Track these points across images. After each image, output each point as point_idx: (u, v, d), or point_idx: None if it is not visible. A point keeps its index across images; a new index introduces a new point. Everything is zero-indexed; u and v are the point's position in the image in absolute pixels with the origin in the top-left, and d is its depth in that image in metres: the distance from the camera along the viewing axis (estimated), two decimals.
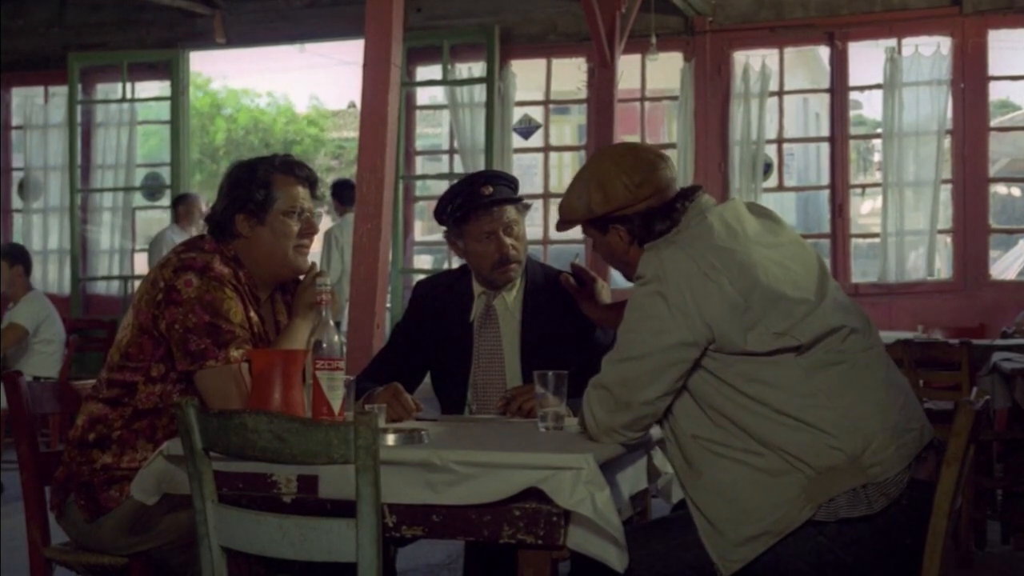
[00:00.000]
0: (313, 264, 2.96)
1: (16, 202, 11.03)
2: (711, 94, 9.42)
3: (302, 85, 30.91)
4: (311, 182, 2.97)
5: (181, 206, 9.29)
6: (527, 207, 3.37)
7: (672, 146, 9.72)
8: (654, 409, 2.39)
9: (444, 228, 3.38)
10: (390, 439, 2.36)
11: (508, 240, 3.26)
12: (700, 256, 2.36)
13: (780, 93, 9.57)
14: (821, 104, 12.42)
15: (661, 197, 2.53)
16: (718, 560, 2.34)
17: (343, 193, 8.69)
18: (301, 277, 2.94)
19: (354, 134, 15.80)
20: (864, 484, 2.28)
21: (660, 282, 2.35)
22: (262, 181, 2.89)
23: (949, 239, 9.34)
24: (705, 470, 2.36)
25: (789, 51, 9.72)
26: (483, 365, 3.32)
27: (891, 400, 2.38)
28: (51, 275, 10.69)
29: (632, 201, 2.52)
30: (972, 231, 9.01)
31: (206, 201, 9.18)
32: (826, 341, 2.35)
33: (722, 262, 2.36)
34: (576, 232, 2.75)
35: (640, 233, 2.53)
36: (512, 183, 3.36)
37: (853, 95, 9.68)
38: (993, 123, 9.56)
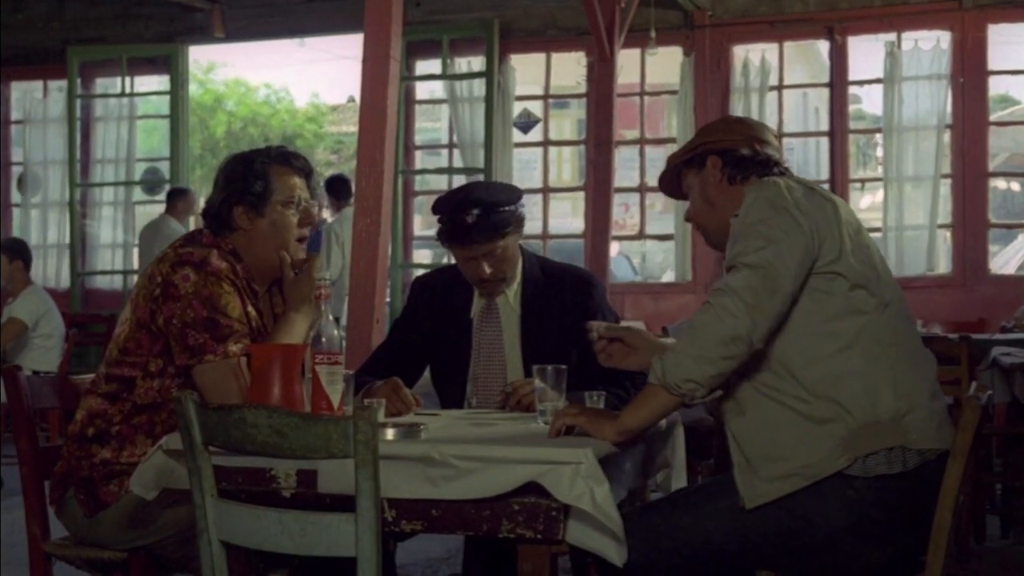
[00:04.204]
0: (311, 255, 2.93)
1: (15, 197, 11.03)
2: (711, 89, 9.40)
3: (302, 79, 30.85)
4: (307, 172, 2.96)
5: (180, 201, 9.20)
6: (518, 228, 3.24)
7: (672, 140, 9.72)
8: (778, 311, 2.31)
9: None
10: (389, 434, 2.36)
11: (487, 267, 3.20)
12: (803, 184, 2.45)
13: (780, 87, 9.55)
14: (821, 99, 12.40)
15: (757, 144, 2.61)
16: (744, 492, 2.39)
17: (338, 188, 8.69)
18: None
19: (353, 129, 15.78)
20: (900, 445, 2.32)
21: (771, 194, 2.39)
22: (259, 173, 2.88)
23: (948, 234, 9.34)
24: (750, 408, 2.41)
25: (789, 45, 9.70)
26: (483, 360, 3.31)
27: (937, 390, 2.45)
28: (51, 270, 10.68)
29: (728, 134, 2.64)
30: (971, 226, 9.01)
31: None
32: (899, 307, 2.44)
33: (824, 194, 2.45)
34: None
35: (732, 166, 2.60)
36: (500, 202, 3.19)
37: (853, 90, 9.65)
38: (993, 118, 9.55)
